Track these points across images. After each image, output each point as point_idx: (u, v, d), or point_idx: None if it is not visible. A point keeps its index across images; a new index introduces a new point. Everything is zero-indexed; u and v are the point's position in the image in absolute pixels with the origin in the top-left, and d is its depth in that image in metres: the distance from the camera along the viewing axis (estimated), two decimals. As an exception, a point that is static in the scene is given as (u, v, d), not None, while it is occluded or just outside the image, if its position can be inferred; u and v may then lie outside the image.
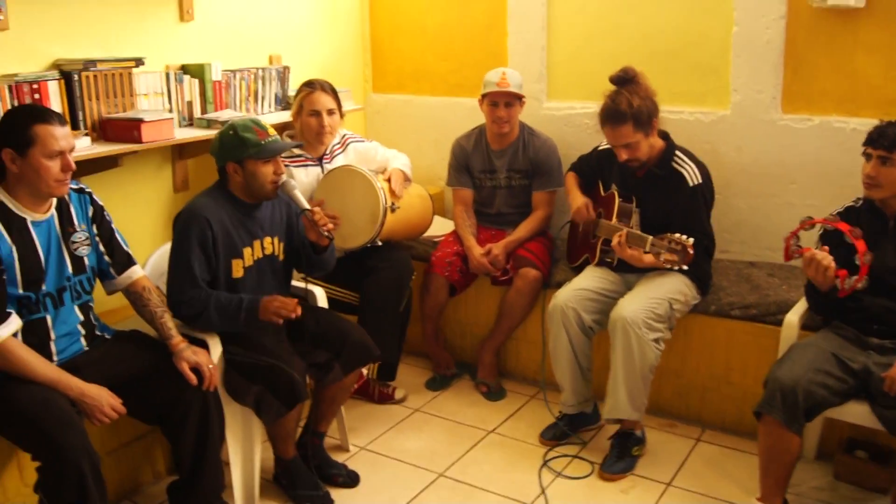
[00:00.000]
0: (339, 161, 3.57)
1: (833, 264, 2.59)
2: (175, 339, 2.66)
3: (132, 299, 2.75)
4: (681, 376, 3.50)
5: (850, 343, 2.75)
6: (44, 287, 2.47)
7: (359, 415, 3.62)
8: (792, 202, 3.70)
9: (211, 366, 2.65)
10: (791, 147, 3.67)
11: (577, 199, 3.53)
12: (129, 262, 2.73)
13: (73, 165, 2.43)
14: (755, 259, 3.84)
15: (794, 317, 3.02)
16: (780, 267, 3.68)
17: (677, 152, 3.24)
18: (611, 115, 3.12)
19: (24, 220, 2.43)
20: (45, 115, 2.38)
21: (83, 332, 2.62)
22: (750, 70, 3.69)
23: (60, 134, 2.38)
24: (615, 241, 3.13)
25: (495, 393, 3.82)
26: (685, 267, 2.93)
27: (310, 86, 3.49)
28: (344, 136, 3.67)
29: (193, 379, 2.59)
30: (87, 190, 2.65)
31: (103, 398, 2.44)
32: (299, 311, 2.75)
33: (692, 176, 3.18)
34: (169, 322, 2.70)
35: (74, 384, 2.42)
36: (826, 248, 2.66)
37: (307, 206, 2.88)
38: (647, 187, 3.26)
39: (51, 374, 2.40)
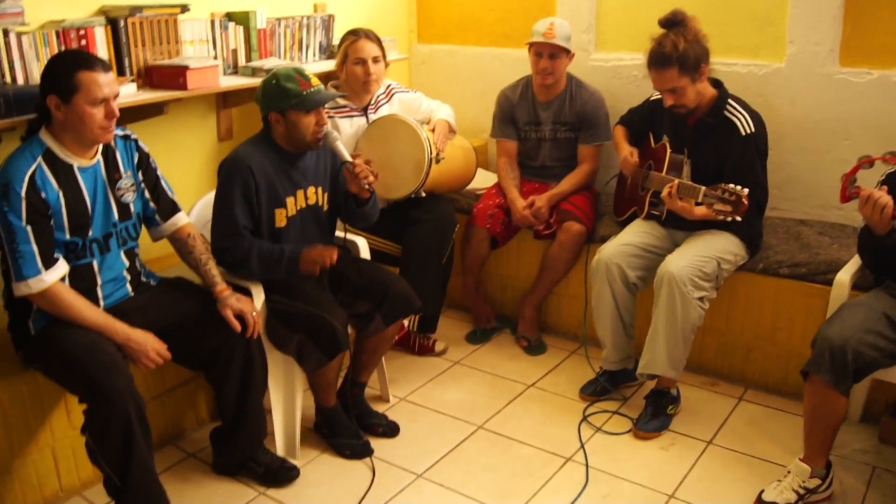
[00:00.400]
0: (384, 111, 3.54)
1: (891, 202, 2.49)
2: (219, 287, 2.68)
3: (177, 246, 2.77)
4: (724, 334, 3.45)
5: (902, 303, 2.68)
6: (90, 233, 2.49)
7: (399, 366, 3.64)
8: (846, 158, 3.58)
9: (254, 313, 2.66)
10: (847, 102, 3.55)
11: (624, 149, 3.47)
12: (174, 209, 2.75)
13: (117, 112, 2.43)
14: (806, 217, 3.75)
15: (845, 276, 2.95)
16: (831, 226, 3.59)
17: (730, 101, 3.15)
18: (656, 58, 3.04)
19: (71, 165, 2.44)
20: (89, 62, 2.37)
21: (129, 277, 2.65)
22: (807, 21, 3.56)
23: (104, 81, 2.38)
24: (665, 192, 3.07)
25: (535, 347, 3.81)
26: (738, 218, 2.87)
27: (354, 34, 3.45)
28: (389, 86, 3.64)
29: (237, 326, 2.61)
30: (132, 136, 2.66)
31: (149, 343, 2.48)
32: (335, 257, 2.75)
33: (745, 125, 3.09)
34: (213, 269, 2.72)
35: (120, 329, 2.45)
36: (885, 187, 2.57)
37: (349, 157, 2.87)
38: (699, 137, 3.18)
39: (97, 319, 2.44)
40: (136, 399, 2.34)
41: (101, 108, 2.38)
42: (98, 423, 2.34)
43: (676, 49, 2.98)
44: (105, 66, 2.41)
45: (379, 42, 3.48)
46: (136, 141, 2.66)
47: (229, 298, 2.65)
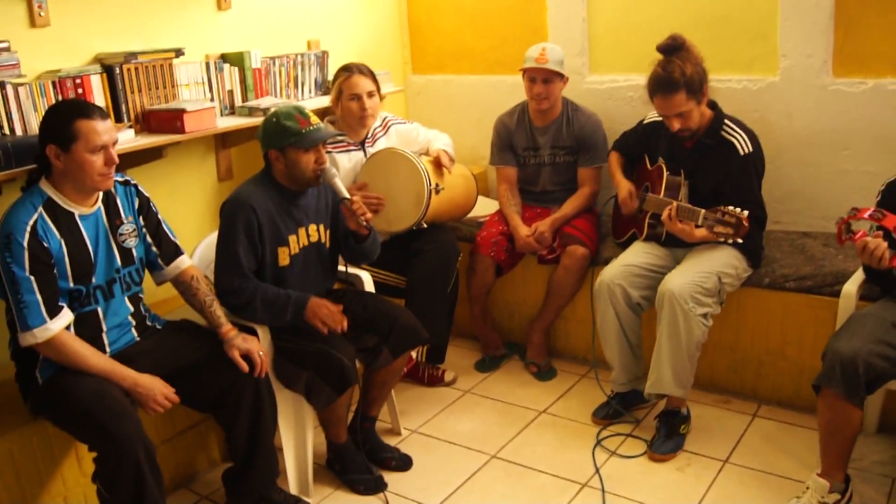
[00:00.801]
0: (381, 144, 3.55)
1: (887, 252, 2.48)
2: (225, 328, 2.67)
3: (181, 289, 2.77)
4: (735, 351, 3.43)
5: (910, 312, 2.67)
6: (94, 280, 2.49)
7: (409, 398, 3.62)
8: (846, 169, 3.60)
9: (261, 353, 2.66)
10: (844, 112, 3.55)
11: (622, 188, 3.46)
12: (176, 251, 2.75)
13: (116, 159, 2.44)
14: (809, 229, 3.74)
15: (851, 287, 2.93)
16: (835, 237, 3.56)
17: (726, 121, 3.16)
18: (663, 84, 3.04)
19: (72, 214, 2.45)
20: (87, 110, 2.39)
21: (134, 322, 2.65)
22: (799, 33, 3.58)
23: (102, 128, 2.39)
24: (665, 214, 3.06)
25: (545, 373, 3.79)
26: (740, 240, 2.87)
27: (347, 70, 3.47)
28: (385, 118, 3.65)
29: (245, 366, 2.60)
30: (132, 182, 2.67)
31: (156, 387, 2.47)
32: (345, 325, 2.77)
33: (743, 145, 3.09)
34: (218, 310, 2.71)
35: (127, 374, 2.44)
36: (881, 232, 2.56)
37: (346, 194, 2.88)
38: (696, 158, 3.18)
39: (104, 366, 2.43)
40: (146, 444, 2.33)
41: (101, 155, 2.39)
42: (109, 471, 2.32)
43: (684, 74, 2.99)
44: (103, 114, 2.42)
45: (373, 76, 3.50)
46: (135, 186, 2.67)
47: (235, 339, 2.65)
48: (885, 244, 2.50)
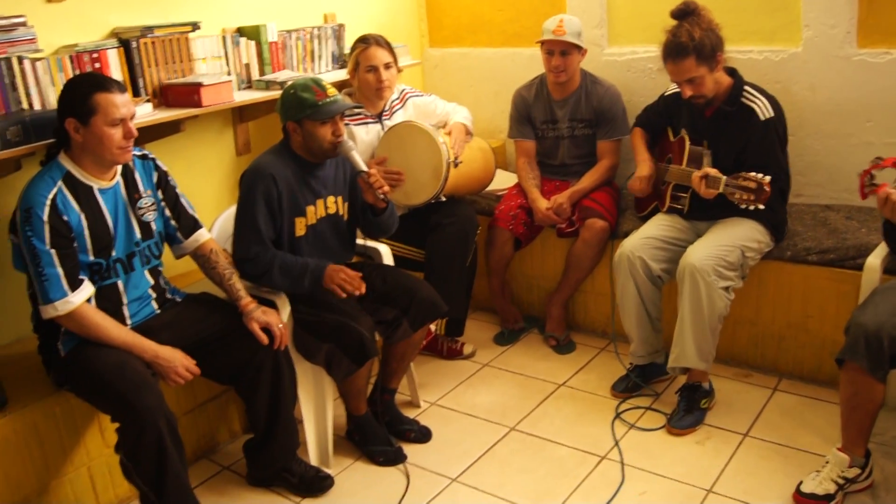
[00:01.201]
0: (398, 117, 3.53)
1: None
2: (244, 300, 2.68)
3: (200, 262, 2.78)
4: (756, 325, 3.41)
5: (935, 285, 2.63)
6: (114, 253, 2.50)
7: (428, 371, 3.63)
8: (870, 141, 3.55)
9: (281, 325, 2.66)
10: (867, 83, 3.50)
11: (642, 168, 3.43)
12: (195, 225, 2.76)
13: (135, 132, 2.45)
14: (832, 202, 3.70)
15: (875, 260, 2.90)
16: (858, 209, 3.54)
17: (746, 87, 3.12)
18: (672, 49, 3.01)
19: (91, 188, 2.45)
20: (105, 84, 2.39)
21: (154, 295, 2.66)
22: (822, 4, 3.51)
23: (121, 101, 2.39)
24: (697, 177, 3.02)
25: (564, 346, 3.79)
26: (761, 206, 2.84)
27: (364, 41, 3.44)
28: (403, 90, 3.63)
29: (264, 338, 2.61)
30: (150, 156, 2.67)
31: (177, 359, 2.49)
32: (363, 289, 2.77)
33: (763, 110, 3.06)
34: (237, 283, 2.72)
35: (148, 346, 2.46)
36: None
37: (364, 167, 2.87)
38: (718, 127, 3.15)
39: (125, 338, 2.45)
40: (167, 415, 2.35)
41: (120, 128, 2.40)
42: (131, 441, 2.35)
43: (692, 38, 2.96)
44: (121, 87, 2.42)
45: (390, 47, 3.47)
46: (154, 160, 2.67)
47: (255, 311, 2.65)
48: None
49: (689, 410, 3.09)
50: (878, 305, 2.55)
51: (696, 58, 2.97)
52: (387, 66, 3.42)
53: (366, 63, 3.41)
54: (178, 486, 2.41)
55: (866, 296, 2.70)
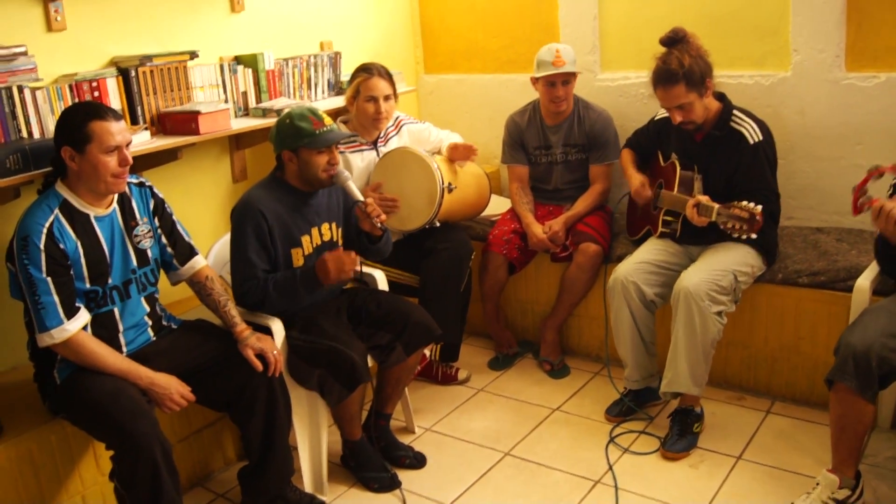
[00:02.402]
0: (393, 144, 3.57)
1: None
2: (239, 327, 2.70)
3: (196, 289, 2.81)
4: (748, 347, 3.43)
5: (924, 306, 2.66)
6: (110, 280, 2.53)
7: (423, 396, 3.64)
8: (859, 164, 3.57)
9: (275, 352, 2.68)
10: (856, 106, 3.54)
11: (635, 180, 3.47)
12: (191, 252, 2.78)
13: (130, 160, 2.48)
14: (822, 224, 3.73)
15: (865, 282, 2.92)
16: (848, 232, 3.57)
17: (735, 112, 3.17)
18: (662, 76, 3.06)
19: (88, 215, 2.48)
20: (101, 112, 2.43)
21: (150, 322, 2.68)
22: (811, 28, 3.57)
23: (116, 129, 2.42)
24: (691, 206, 3.05)
25: (559, 370, 3.80)
26: (753, 235, 2.87)
27: (367, 70, 3.47)
28: (398, 118, 3.67)
29: (259, 365, 2.63)
30: (147, 183, 2.70)
31: (172, 386, 2.50)
32: (357, 264, 2.79)
33: (752, 134, 3.10)
34: (232, 310, 2.74)
35: (144, 373, 2.48)
36: None
37: (360, 197, 2.90)
38: (708, 152, 3.19)
39: (121, 365, 2.47)
40: (163, 443, 2.36)
41: (115, 156, 2.43)
42: (126, 469, 2.35)
43: (682, 65, 3.01)
44: (116, 115, 2.46)
45: (391, 79, 3.50)
46: (150, 188, 2.70)
47: (250, 338, 2.67)
48: None
49: (682, 435, 3.10)
50: (866, 326, 2.57)
51: (685, 84, 3.02)
52: (386, 98, 3.46)
53: (366, 93, 3.44)
54: None
55: (856, 317, 2.73)
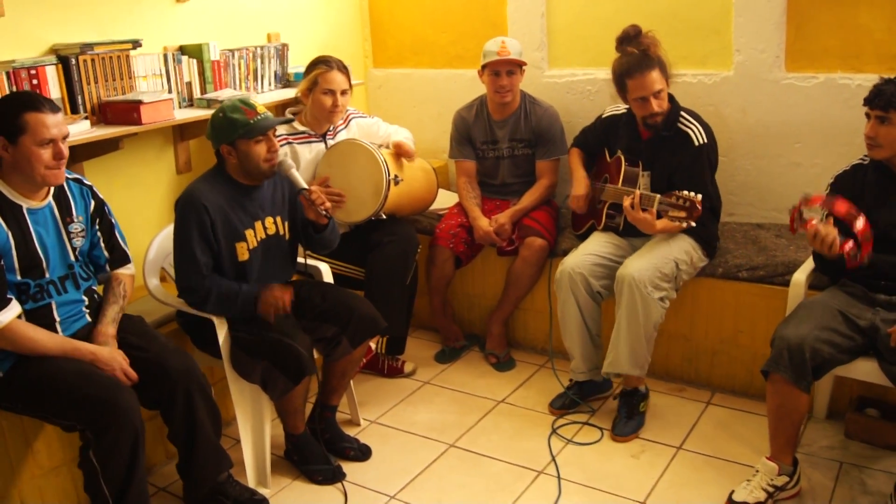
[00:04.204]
0: (342, 137, 3.56)
1: (837, 239, 2.55)
2: (102, 327, 2.59)
3: (105, 282, 2.75)
4: (689, 340, 3.49)
5: (857, 300, 2.73)
6: (47, 275, 2.48)
7: (369, 389, 3.64)
8: (798, 162, 3.67)
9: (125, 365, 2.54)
10: (796, 106, 3.63)
11: (578, 187, 3.51)
12: (124, 259, 2.76)
13: (65, 153, 2.42)
14: (762, 221, 3.81)
15: (801, 276, 2.99)
16: (787, 228, 3.63)
17: (683, 113, 3.23)
18: (639, 61, 3.10)
19: (20, 207, 2.43)
20: (36, 103, 2.37)
21: (88, 312, 2.63)
22: (752, 29, 3.64)
23: (51, 122, 2.37)
24: (627, 203, 3.10)
25: (504, 363, 3.83)
26: (693, 223, 2.92)
27: (326, 63, 3.45)
28: (347, 112, 3.66)
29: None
30: (87, 182, 2.65)
31: (116, 360, 2.48)
32: (288, 301, 2.79)
33: (698, 136, 3.17)
34: (111, 313, 2.65)
35: (85, 349, 2.46)
36: (831, 219, 2.62)
37: (304, 185, 2.88)
38: (654, 150, 3.24)
39: (61, 345, 2.44)
40: (140, 416, 2.37)
41: (49, 148, 2.38)
42: (107, 443, 2.33)
43: (656, 53, 3.11)
44: (52, 107, 2.40)
45: (348, 74, 3.49)
46: (91, 188, 2.65)
47: (107, 344, 2.57)
48: (836, 231, 2.56)
49: (630, 416, 3.17)
50: (801, 319, 2.64)
51: (659, 70, 3.09)
52: (343, 93, 3.45)
53: (325, 85, 3.42)
54: (139, 494, 2.42)
55: (791, 310, 2.80)
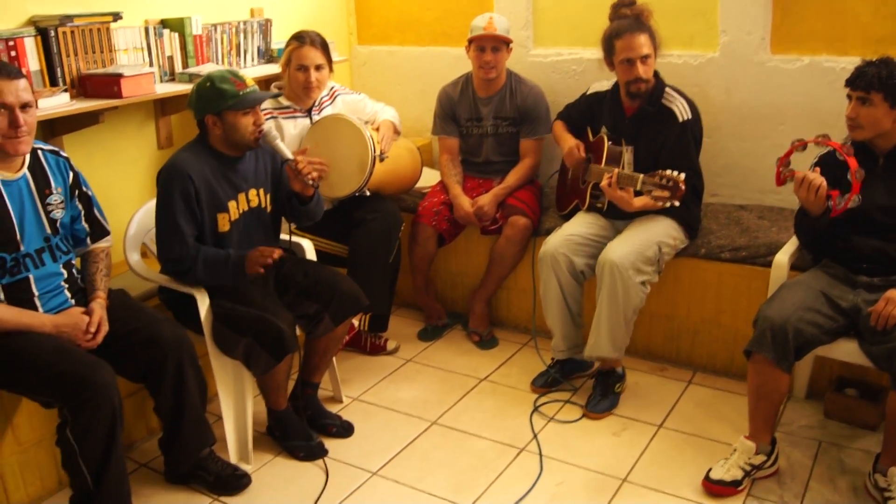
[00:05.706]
0: (327, 113, 3.53)
1: (825, 183, 2.59)
2: (97, 293, 2.62)
3: (85, 257, 2.73)
4: (671, 320, 3.51)
5: (839, 281, 2.75)
6: (22, 248, 2.44)
7: (351, 366, 3.63)
8: (782, 144, 3.64)
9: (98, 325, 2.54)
10: (780, 88, 3.63)
11: (569, 141, 3.50)
12: (103, 232, 2.74)
13: (22, 121, 2.35)
14: (745, 202, 3.82)
15: (783, 257, 3.01)
16: (770, 209, 3.67)
17: (667, 89, 3.23)
18: (631, 23, 3.14)
19: None
20: None
21: (67, 286, 2.59)
22: (738, 11, 3.64)
23: (9, 88, 2.30)
24: (605, 181, 3.11)
25: (487, 342, 3.83)
26: (676, 203, 2.93)
27: (299, 39, 3.42)
28: (332, 88, 3.63)
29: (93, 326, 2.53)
30: (63, 154, 2.62)
31: (76, 321, 2.46)
32: (276, 254, 2.74)
33: (682, 111, 3.17)
34: (103, 284, 2.66)
35: (46, 320, 2.43)
36: (818, 168, 2.65)
37: (290, 155, 2.86)
38: (638, 127, 3.25)
39: (21, 319, 2.40)
40: (119, 394, 2.35)
41: (5, 115, 2.32)
42: (85, 420, 2.32)
43: (647, 18, 3.15)
44: (12, 73, 2.34)
45: (324, 47, 3.45)
46: (67, 159, 2.62)
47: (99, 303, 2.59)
48: (824, 179, 2.58)
49: (605, 395, 3.19)
50: (784, 300, 2.66)
51: (649, 35, 3.12)
52: (318, 68, 3.41)
53: (297, 61, 3.39)
54: (118, 473, 2.41)
55: (774, 291, 2.82)
